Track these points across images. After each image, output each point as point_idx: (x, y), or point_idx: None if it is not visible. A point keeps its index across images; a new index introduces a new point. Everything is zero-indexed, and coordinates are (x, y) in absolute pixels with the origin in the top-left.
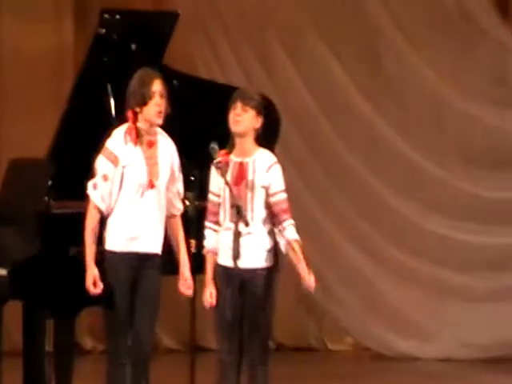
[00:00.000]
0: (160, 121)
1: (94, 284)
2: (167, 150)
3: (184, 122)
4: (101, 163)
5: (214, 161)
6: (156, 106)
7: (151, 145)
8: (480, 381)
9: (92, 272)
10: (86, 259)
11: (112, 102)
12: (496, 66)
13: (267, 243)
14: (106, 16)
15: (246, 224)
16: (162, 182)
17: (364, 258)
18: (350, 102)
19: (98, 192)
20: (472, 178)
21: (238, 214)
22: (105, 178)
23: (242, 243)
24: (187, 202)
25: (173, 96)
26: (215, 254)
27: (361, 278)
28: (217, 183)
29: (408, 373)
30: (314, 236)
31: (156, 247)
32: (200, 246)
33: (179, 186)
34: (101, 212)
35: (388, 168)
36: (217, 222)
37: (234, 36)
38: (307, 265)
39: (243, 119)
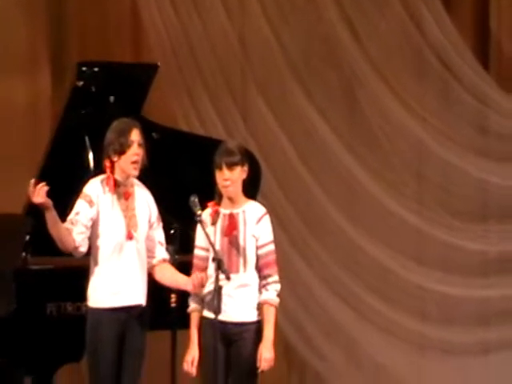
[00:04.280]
0: (136, 172)
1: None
2: (144, 200)
3: (163, 175)
4: (76, 204)
5: (197, 214)
6: (134, 156)
7: (128, 196)
8: None
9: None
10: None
11: (90, 154)
12: (476, 116)
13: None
14: (84, 68)
15: (228, 278)
16: (140, 233)
17: (345, 309)
18: (330, 152)
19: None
20: (452, 228)
21: (219, 267)
22: (77, 213)
23: (232, 295)
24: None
25: (152, 148)
26: (199, 312)
27: (342, 330)
28: (204, 237)
29: None
30: (294, 287)
31: (139, 298)
32: (180, 301)
33: (160, 234)
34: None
35: (369, 218)
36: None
37: (213, 88)
38: (274, 336)
39: (232, 180)
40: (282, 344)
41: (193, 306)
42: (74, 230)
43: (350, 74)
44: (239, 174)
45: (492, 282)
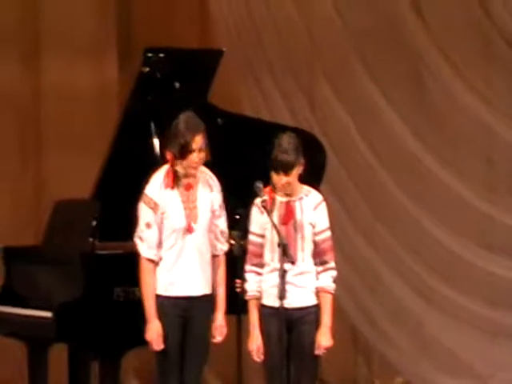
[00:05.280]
0: (195, 172)
1: (158, 341)
2: (207, 189)
3: (229, 160)
4: (142, 211)
5: (257, 200)
6: (194, 163)
7: (189, 188)
8: None
9: (155, 328)
10: (147, 314)
11: (156, 140)
12: None
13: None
14: (150, 55)
15: (293, 263)
16: (201, 224)
17: (413, 295)
18: (396, 136)
19: (144, 244)
20: None
21: (284, 252)
22: (148, 225)
23: (292, 282)
24: (232, 241)
25: (217, 134)
26: (258, 298)
27: (410, 315)
28: (259, 223)
29: None
30: (361, 272)
31: (200, 290)
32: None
33: (222, 224)
34: (153, 261)
35: (437, 203)
36: (259, 265)
37: (278, 72)
38: (331, 322)
39: (289, 182)
40: (348, 328)
41: (251, 293)
42: (151, 243)
43: (417, 58)
44: (296, 174)
45: None
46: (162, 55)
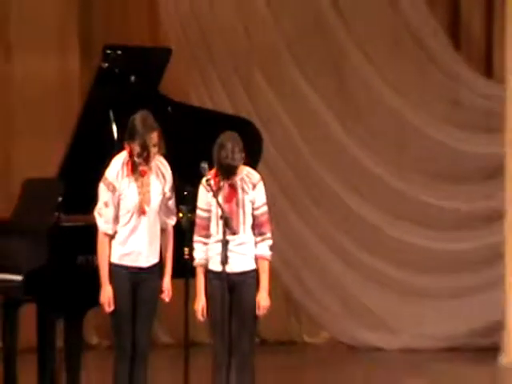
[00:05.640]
0: (151, 163)
1: (109, 303)
2: (159, 175)
3: (177, 144)
4: (101, 192)
5: (204, 179)
6: (148, 156)
7: (144, 174)
8: (439, 369)
9: (107, 292)
10: (101, 280)
11: (114, 127)
12: (448, 91)
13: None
14: (109, 51)
15: (234, 233)
16: (153, 206)
17: (338, 262)
18: (322, 123)
19: (102, 219)
20: (429, 189)
21: (226, 224)
22: (106, 204)
23: (234, 251)
24: (181, 215)
25: (167, 121)
26: (205, 265)
27: (335, 280)
28: (205, 200)
29: (376, 362)
30: (295, 245)
31: (149, 261)
32: (192, 254)
33: (171, 203)
34: (108, 235)
35: (358, 183)
36: (206, 236)
37: (221, 67)
38: (269, 286)
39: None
40: (282, 292)
41: (199, 260)
42: (108, 219)
43: (338, 52)
44: (240, 169)
45: (463, 235)
46: (119, 52)
